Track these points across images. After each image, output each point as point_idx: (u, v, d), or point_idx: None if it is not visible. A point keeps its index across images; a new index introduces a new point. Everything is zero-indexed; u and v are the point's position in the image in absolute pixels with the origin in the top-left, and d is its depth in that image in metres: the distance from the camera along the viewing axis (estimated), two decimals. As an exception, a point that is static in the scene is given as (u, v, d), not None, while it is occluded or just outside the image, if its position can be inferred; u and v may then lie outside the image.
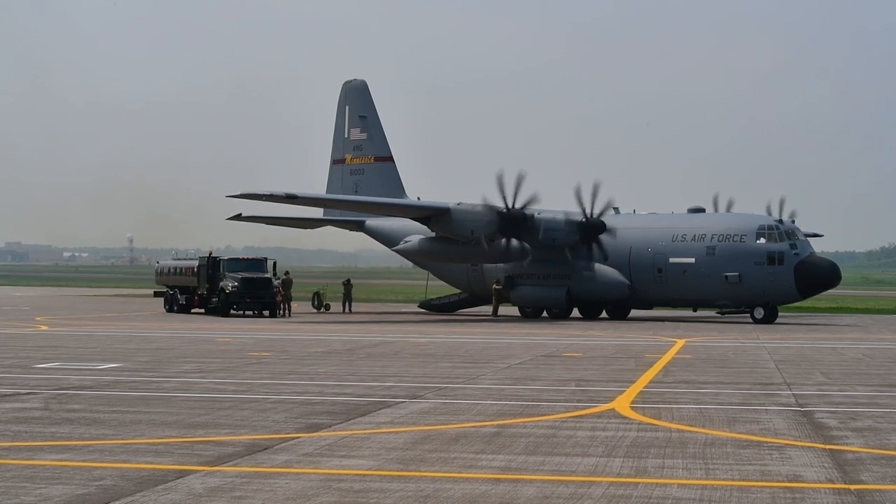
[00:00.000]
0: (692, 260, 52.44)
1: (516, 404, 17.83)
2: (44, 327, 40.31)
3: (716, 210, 57.05)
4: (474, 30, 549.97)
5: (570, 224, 53.74)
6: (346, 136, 67.48)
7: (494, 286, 56.73)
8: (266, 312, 53.55)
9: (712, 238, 52.28)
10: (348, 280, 64.81)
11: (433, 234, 55.26)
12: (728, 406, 18.01)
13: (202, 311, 55.90)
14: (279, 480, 11.04)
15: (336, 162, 68.04)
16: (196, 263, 56.64)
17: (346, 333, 39.11)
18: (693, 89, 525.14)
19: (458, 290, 62.12)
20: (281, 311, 54.34)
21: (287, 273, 57.29)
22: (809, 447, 13.64)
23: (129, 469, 11.53)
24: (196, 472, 11.43)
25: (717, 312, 54.60)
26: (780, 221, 52.35)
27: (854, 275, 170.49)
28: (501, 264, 56.10)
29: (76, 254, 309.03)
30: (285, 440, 13.64)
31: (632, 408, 17.43)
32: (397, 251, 60.88)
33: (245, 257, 58.86)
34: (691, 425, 15.45)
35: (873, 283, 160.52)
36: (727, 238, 51.90)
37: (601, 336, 39.05)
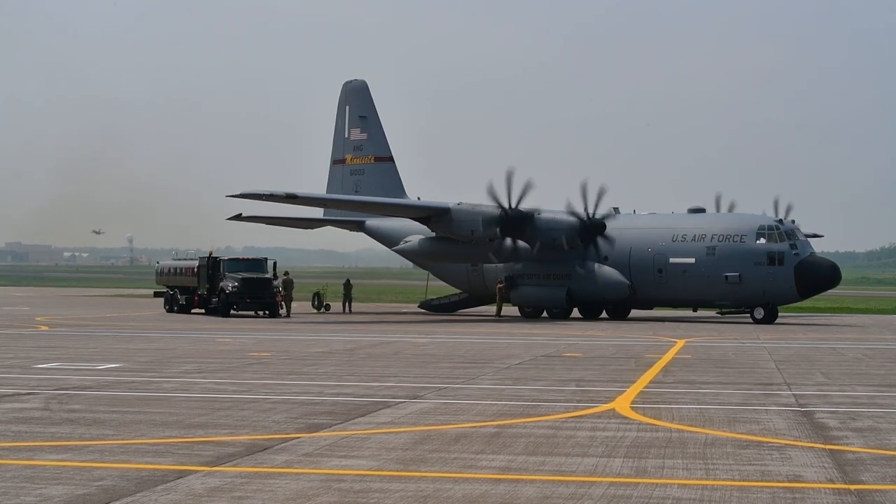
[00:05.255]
0: (692, 260, 52.44)
1: (516, 404, 17.82)
2: (44, 327, 40.30)
3: (718, 210, 57.03)
4: (474, 30, 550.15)
5: (570, 224, 53.73)
6: (346, 136, 67.50)
7: (498, 285, 56.75)
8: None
9: (712, 238, 52.27)
10: (348, 280, 64.89)
11: (433, 234, 55.28)
12: (728, 406, 18.00)
13: (202, 311, 55.90)
14: (279, 480, 11.04)
15: (336, 162, 68.05)
16: (196, 264, 56.65)
17: (346, 333, 39.10)
18: (693, 89, 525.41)
19: (458, 290, 62.14)
20: (283, 312, 54.44)
21: (287, 273, 57.31)
22: (809, 447, 13.63)
23: (129, 469, 11.52)
24: (196, 472, 11.42)
25: (717, 312, 54.59)
26: (781, 221, 52.36)
27: (854, 275, 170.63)
28: (501, 264, 56.11)
29: (76, 254, 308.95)
30: (285, 440, 13.64)
31: (632, 408, 17.42)
32: (397, 251, 60.90)
33: (245, 257, 58.84)
34: (691, 425, 15.45)
35: (873, 283, 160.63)
36: (727, 238, 51.89)
37: (601, 336, 39.03)
